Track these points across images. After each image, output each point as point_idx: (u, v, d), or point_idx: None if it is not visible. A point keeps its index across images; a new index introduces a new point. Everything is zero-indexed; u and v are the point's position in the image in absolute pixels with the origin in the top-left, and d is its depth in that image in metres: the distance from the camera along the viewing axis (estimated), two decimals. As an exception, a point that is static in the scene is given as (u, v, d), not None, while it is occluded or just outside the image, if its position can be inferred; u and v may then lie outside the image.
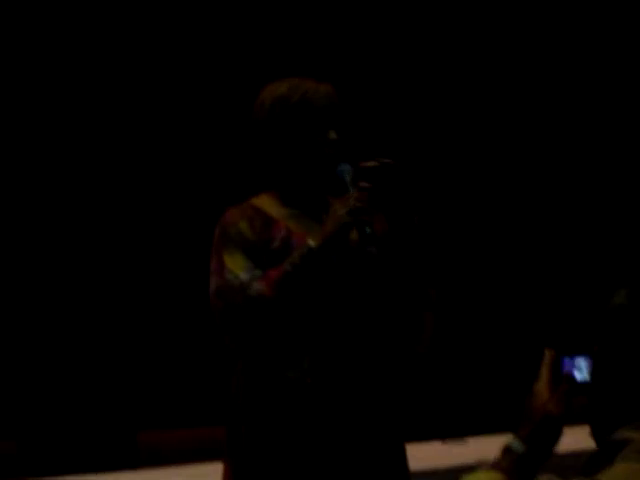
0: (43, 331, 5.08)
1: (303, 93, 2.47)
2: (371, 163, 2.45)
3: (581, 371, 1.55)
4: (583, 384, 1.52)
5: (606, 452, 1.42)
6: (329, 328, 2.39)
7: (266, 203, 2.48)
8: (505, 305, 6.52)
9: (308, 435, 2.34)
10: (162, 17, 5.46)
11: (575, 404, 1.55)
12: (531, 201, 6.65)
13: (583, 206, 6.74)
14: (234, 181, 4.91)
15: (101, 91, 5.28)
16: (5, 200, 5.09)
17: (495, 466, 1.55)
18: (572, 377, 1.50)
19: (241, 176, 3.77)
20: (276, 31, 5.73)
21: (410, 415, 2.56)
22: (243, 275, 2.33)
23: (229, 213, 2.44)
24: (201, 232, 2.86)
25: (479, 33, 6.55)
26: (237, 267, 2.35)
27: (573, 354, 1.64)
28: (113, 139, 5.31)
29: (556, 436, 1.51)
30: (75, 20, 5.23)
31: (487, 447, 3.96)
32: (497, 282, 6.49)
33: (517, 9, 6.68)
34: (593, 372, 1.51)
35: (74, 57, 5.21)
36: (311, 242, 2.34)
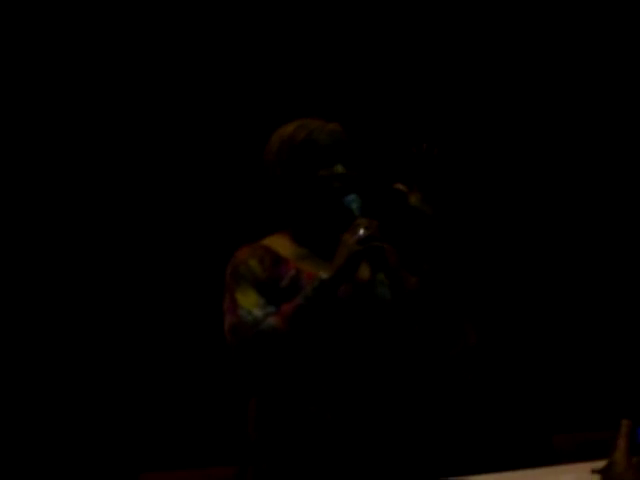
0: (43, 366, 5.06)
1: (309, 132, 2.52)
2: (401, 186, 2.46)
3: None
4: None
5: None
6: (346, 361, 2.41)
7: (276, 243, 2.51)
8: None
9: (329, 471, 2.36)
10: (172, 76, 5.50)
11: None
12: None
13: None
14: (248, 222, 4.94)
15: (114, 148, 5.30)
16: (4, 200, 5.09)
17: None
18: None
19: (255, 217, 3.79)
20: (289, 74, 5.77)
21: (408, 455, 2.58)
22: (256, 311, 2.36)
23: (240, 252, 2.48)
24: (213, 272, 2.88)
25: (478, 41, 6.57)
26: (250, 304, 2.38)
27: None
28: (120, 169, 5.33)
29: None
30: (75, 20, 5.25)
31: (488, 485, 3.97)
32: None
33: (517, 9, 6.70)
34: None
35: (73, 58, 5.22)
36: (323, 275, 2.37)
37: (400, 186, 2.47)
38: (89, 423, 5.11)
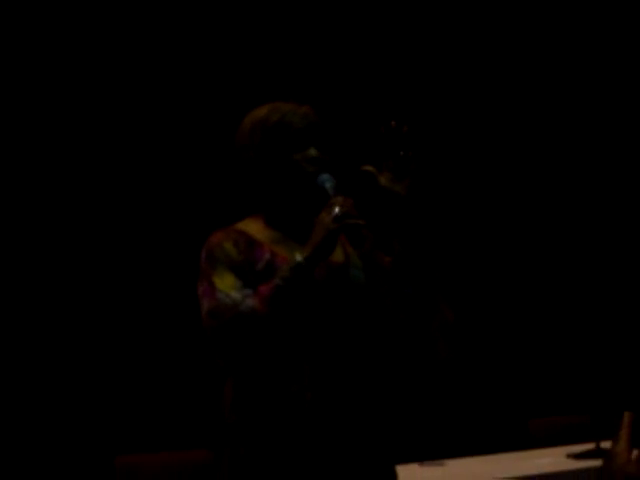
0: (20, 350, 5.06)
1: (282, 115, 2.51)
2: (369, 168, 2.45)
3: None
4: None
5: None
6: (324, 342, 2.40)
7: (250, 227, 2.50)
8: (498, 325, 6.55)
9: (309, 452, 2.35)
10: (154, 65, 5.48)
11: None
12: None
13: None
14: (222, 206, 4.93)
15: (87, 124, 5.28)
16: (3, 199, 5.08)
17: None
18: None
19: (228, 201, 3.79)
20: (269, 55, 5.76)
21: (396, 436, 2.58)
22: (234, 294, 2.35)
23: (213, 236, 2.47)
24: (186, 256, 2.87)
25: (478, 39, 6.58)
26: (227, 286, 2.37)
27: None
28: (102, 155, 5.31)
29: None
30: (73, 20, 5.24)
31: (464, 470, 3.99)
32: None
33: (517, 9, 6.71)
34: None
35: (69, 60, 5.21)
36: (299, 255, 2.36)
37: (368, 167, 2.46)
38: (66, 406, 5.10)
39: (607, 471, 1.56)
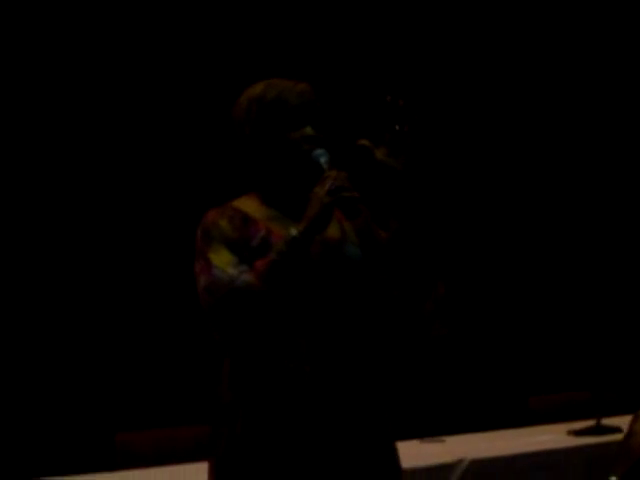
0: (18, 331, 5.05)
1: (278, 92, 2.50)
2: (365, 142, 2.45)
3: None
4: None
5: None
6: (321, 317, 2.40)
7: (245, 204, 2.50)
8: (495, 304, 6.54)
9: (308, 427, 2.35)
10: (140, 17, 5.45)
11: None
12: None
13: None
14: (218, 184, 4.92)
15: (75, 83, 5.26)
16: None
17: None
18: None
19: (225, 178, 3.77)
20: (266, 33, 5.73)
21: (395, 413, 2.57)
22: (230, 269, 2.35)
23: (209, 214, 2.46)
24: (183, 234, 2.86)
25: (478, 34, 6.56)
26: (223, 263, 2.37)
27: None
28: (96, 139, 5.30)
29: None
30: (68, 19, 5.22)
31: (465, 446, 3.99)
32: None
33: (516, 9, 6.69)
34: None
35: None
36: (294, 230, 2.36)
37: (364, 142, 2.45)
38: (66, 383, 5.10)
39: (626, 448, 1.55)
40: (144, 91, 5.42)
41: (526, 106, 6.77)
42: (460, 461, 3.63)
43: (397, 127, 2.42)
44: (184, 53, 5.54)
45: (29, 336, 5.06)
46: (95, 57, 5.30)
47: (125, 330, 5.27)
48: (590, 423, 4.21)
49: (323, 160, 2.44)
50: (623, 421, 4.27)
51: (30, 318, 5.07)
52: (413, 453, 3.77)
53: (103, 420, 5.10)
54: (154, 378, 5.30)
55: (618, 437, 4.07)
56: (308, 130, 2.48)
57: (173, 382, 5.33)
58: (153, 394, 5.28)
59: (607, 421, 4.22)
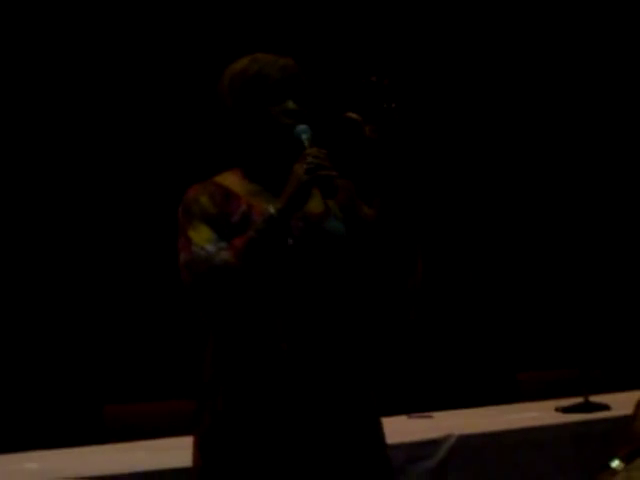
0: (5, 304, 5.05)
1: (260, 66, 2.50)
2: (354, 115, 2.44)
3: None
4: None
5: None
6: (300, 293, 2.40)
7: (228, 180, 2.50)
8: (477, 283, 6.55)
9: (288, 403, 2.35)
10: None
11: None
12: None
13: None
14: (203, 160, 4.90)
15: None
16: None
17: None
18: None
19: (209, 155, 3.75)
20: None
21: (378, 389, 2.57)
22: (209, 247, 2.35)
23: (190, 190, 2.47)
24: (168, 210, 2.85)
25: (477, 32, 6.55)
26: (202, 240, 2.37)
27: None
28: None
29: None
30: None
31: (452, 422, 3.99)
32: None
33: (516, 9, 6.67)
34: None
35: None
36: (272, 208, 2.36)
37: (353, 115, 2.44)
38: (55, 356, 5.10)
39: (629, 432, 1.55)
40: (128, 69, 5.39)
41: (517, 90, 6.75)
42: (448, 437, 3.63)
43: (384, 105, 2.42)
44: (172, 27, 5.50)
45: (17, 309, 5.05)
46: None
47: (115, 302, 5.27)
48: (578, 400, 4.22)
49: (305, 137, 2.44)
50: (611, 399, 4.29)
51: (18, 291, 5.06)
52: (401, 428, 3.77)
53: (91, 392, 5.10)
54: (143, 351, 5.31)
55: (606, 414, 4.09)
56: (290, 104, 2.48)
57: (162, 355, 5.33)
58: (142, 367, 5.28)
59: (595, 398, 4.22)
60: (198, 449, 2.46)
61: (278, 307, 2.37)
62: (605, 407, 4.15)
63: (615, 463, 1.53)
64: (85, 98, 5.29)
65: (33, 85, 5.17)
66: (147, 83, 5.43)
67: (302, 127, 2.44)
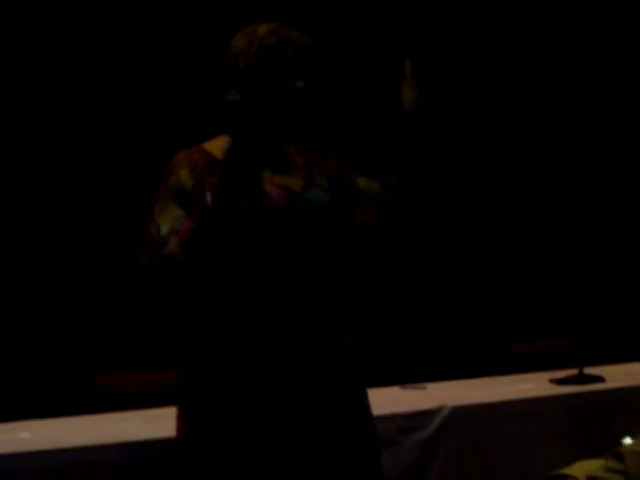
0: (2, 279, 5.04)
1: (280, 39, 2.49)
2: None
3: None
4: None
5: None
6: (279, 264, 2.38)
7: (216, 146, 2.47)
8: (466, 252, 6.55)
9: (268, 372, 2.35)
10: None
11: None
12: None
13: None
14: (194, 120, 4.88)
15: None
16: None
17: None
18: None
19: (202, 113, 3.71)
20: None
21: (369, 361, 2.57)
22: (164, 229, 2.34)
23: (176, 158, 2.46)
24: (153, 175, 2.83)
25: (478, 31, 6.52)
26: (163, 219, 2.36)
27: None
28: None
29: None
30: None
31: (446, 393, 3.99)
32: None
33: (516, 9, 6.64)
34: None
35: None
36: (209, 196, 2.34)
37: (410, 65, 2.48)
38: (47, 326, 5.10)
39: None
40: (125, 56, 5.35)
41: (517, 89, 6.72)
42: (441, 408, 3.62)
43: (410, 65, 2.45)
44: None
45: (9, 282, 5.04)
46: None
47: (108, 273, 5.25)
48: (572, 372, 4.21)
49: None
50: (605, 370, 4.28)
51: (10, 265, 5.05)
52: (394, 399, 3.77)
53: (83, 362, 5.09)
54: (135, 321, 5.30)
55: (600, 386, 4.08)
56: (299, 83, 2.48)
57: (155, 325, 5.32)
58: (134, 337, 5.27)
59: (589, 370, 4.22)
60: (182, 419, 2.45)
61: (257, 276, 2.36)
62: (599, 379, 4.15)
63: (627, 440, 1.50)
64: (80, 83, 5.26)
65: (30, 78, 5.14)
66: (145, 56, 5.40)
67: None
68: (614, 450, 1.41)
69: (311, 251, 2.43)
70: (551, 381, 4.23)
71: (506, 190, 6.70)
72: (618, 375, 4.31)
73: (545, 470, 1.64)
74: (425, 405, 3.63)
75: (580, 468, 1.46)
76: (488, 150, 6.66)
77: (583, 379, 4.14)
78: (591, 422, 3.88)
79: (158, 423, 3.13)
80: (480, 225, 6.58)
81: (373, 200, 2.51)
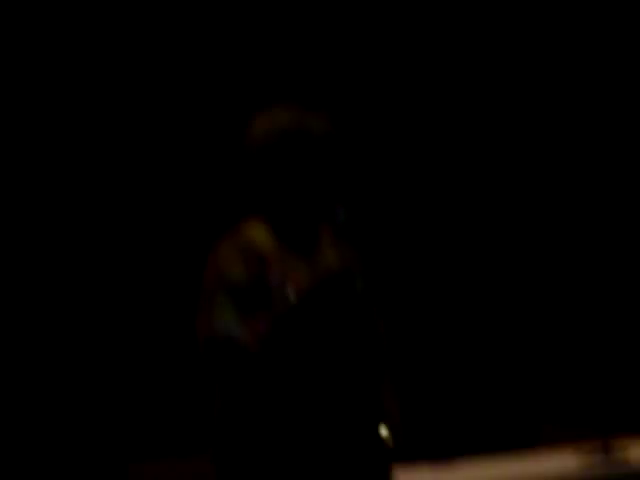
0: (32, 354, 5.04)
1: (301, 124, 2.48)
2: None
3: None
4: None
5: None
6: (319, 349, 2.40)
7: (257, 237, 2.46)
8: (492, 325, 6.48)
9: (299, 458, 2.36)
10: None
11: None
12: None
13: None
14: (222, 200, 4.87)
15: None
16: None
17: None
18: None
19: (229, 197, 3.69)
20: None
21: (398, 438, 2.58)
22: (231, 325, 2.34)
23: (222, 256, 2.44)
24: (185, 256, 2.86)
25: (477, 33, 6.49)
26: (226, 318, 2.35)
27: None
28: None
29: None
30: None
31: (474, 471, 3.97)
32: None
33: (516, 9, 6.63)
34: None
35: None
36: (291, 294, 2.35)
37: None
38: (81, 413, 5.08)
39: None
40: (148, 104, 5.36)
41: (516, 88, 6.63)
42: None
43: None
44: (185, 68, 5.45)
45: (44, 360, 5.04)
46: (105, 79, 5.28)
47: (142, 361, 5.24)
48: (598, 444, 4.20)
49: (340, 219, 2.47)
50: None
51: (45, 340, 5.05)
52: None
53: (116, 450, 5.08)
54: (168, 409, 5.28)
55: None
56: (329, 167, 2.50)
57: (187, 413, 5.31)
58: (167, 425, 5.26)
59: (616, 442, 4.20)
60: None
61: (297, 365, 2.37)
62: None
63: None
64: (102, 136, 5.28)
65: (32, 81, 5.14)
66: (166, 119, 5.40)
67: (341, 209, 2.48)
68: None
69: (348, 333, 2.46)
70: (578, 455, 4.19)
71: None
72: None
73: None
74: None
75: None
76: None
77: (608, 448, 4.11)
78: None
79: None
80: (512, 304, 6.48)
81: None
